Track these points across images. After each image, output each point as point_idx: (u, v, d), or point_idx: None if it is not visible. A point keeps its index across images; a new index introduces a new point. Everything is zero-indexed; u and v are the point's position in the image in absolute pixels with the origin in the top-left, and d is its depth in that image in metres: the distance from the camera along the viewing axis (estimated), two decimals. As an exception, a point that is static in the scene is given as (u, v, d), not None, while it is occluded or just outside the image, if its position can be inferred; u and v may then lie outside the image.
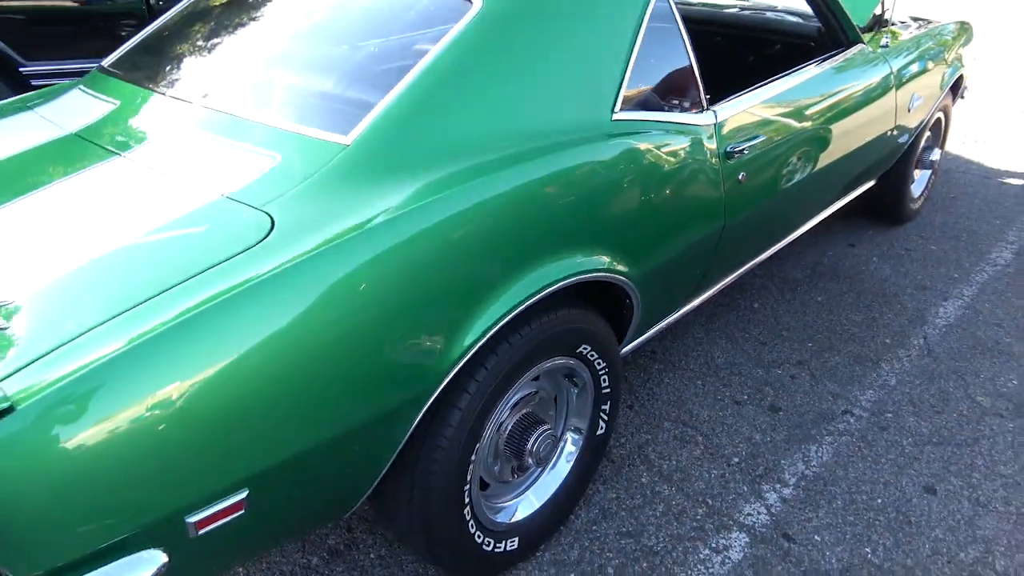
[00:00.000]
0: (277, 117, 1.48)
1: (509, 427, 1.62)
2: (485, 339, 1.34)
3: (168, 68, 1.84)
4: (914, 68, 2.81)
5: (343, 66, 1.59)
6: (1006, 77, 5.88)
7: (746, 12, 3.06)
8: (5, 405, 0.93)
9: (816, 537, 1.82)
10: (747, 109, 2.00)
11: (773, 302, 2.82)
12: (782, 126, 2.10)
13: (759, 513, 1.89)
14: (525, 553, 1.71)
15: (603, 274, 1.55)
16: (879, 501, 1.93)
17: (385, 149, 1.35)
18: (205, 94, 1.65)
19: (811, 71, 2.32)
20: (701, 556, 1.77)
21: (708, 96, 1.91)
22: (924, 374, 2.42)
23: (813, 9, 2.52)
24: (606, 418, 1.81)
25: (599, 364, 1.71)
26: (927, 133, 3.21)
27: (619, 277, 1.59)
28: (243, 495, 1.12)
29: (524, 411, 1.64)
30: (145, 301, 1.06)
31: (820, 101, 2.27)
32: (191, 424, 1.04)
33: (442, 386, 1.31)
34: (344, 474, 1.27)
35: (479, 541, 1.56)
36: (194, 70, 1.79)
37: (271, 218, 1.22)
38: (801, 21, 2.86)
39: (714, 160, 1.86)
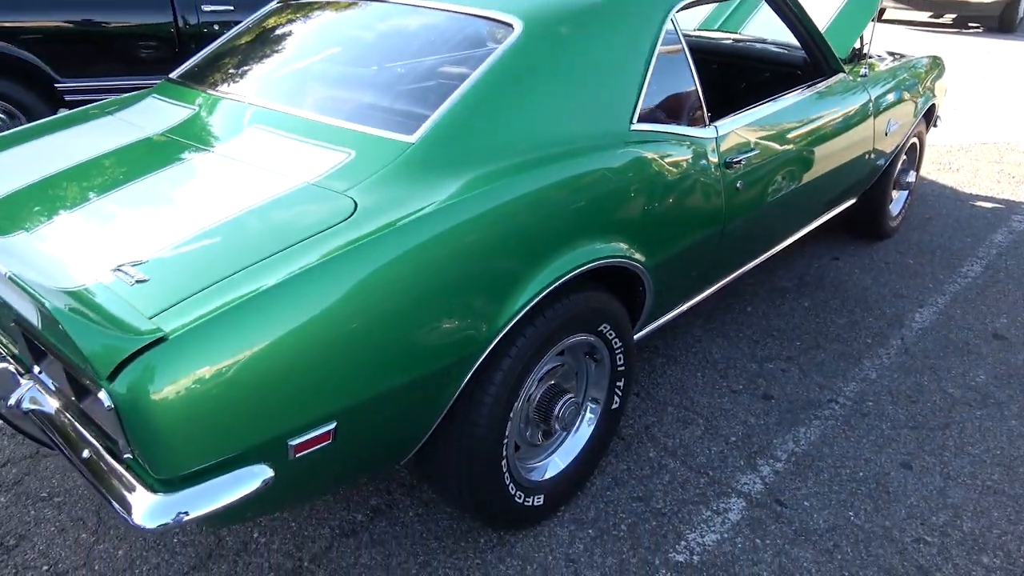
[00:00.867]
0: (348, 120, 1.72)
1: (538, 396, 1.85)
2: (526, 310, 1.57)
3: (238, 77, 2.08)
4: (890, 96, 3.11)
5: (405, 78, 1.85)
6: (975, 110, 6.25)
7: (741, 43, 3.36)
8: (160, 335, 1.15)
9: (805, 503, 2.05)
10: (744, 126, 2.27)
11: (764, 307, 3.07)
12: (774, 142, 2.37)
13: (754, 483, 2.12)
14: (548, 511, 1.93)
15: (623, 260, 1.79)
16: (861, 474, 2.16)
17: (444, 148, 1.60)
18: (276, 99, 1.89)
19: (798, 95, 2.60)
20: (703, 517, 2.00)
21: (710, 114, 2.17)
22: (901, 369, 2.67)
23: (799, 42, 2.81)
24: (620, 394, 2.04)
25: (616, 344, 1.94)
26: (903, 156, 3.50)
27: (635, 263, 1.84)
28: (331, 426, 1.34)
29: (551, 382, 1.87)
30: (261, 260, 1.30)
31: (806, 122, 2.55)
32: (297, 362, 1.26)
33: (490, 347, 1.54)
34: (408, 418, 1.50)
35: (512, 492, 1.78)
36: (264, 79, 2.04)
37: (354, 201, 1.46)
38: (788, 52, 3.15)
39: (715, 169, 2.12)
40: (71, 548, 1.87)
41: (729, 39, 3.41)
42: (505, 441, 1.70)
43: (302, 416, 1.30)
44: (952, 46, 9.23)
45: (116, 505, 1.22)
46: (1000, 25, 10.30)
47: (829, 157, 2.69)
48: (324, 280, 1.30)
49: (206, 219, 1.44)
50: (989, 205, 4.25)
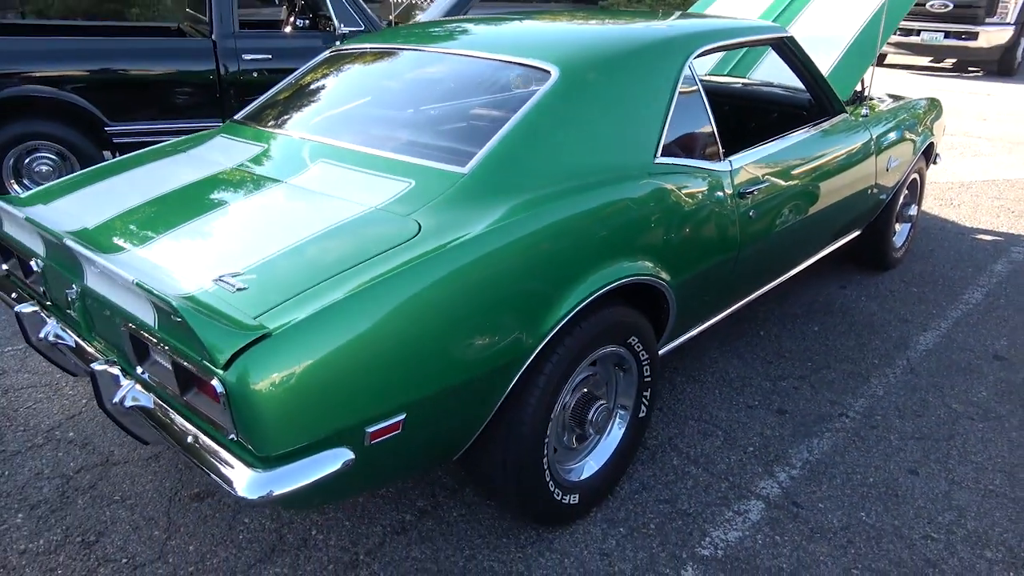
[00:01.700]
0: (406, 155, 1.95)
1: (573, 403, 2.03)
2: (565, 320, 1.77)
3: (299, 117, 2.33)
4: (891, 135, 3.34)
5: (454, 117, 2.08)
6: (976, 149, 6.49)
7: (750, 86, 3.61)
8: (265, 331, 1.36)
9: (820, 504, 2.21)
10: (755, 161, 2.49)
11: (776, 330, 3.26)
12: (783, 175, 2.59)
13: (772, 487, 2.28)
14: (583, 510, 2.10)
15: (650, 278, 2.00)
16: (871, 480, 2.32)
17: (493, 178, 1.83)
18: (336, 136, 2.13)
19: (804, 133, 2.83)
20: (726, 517, 2.16)
21: (724, 149, 2.40)
22: (907, 387, 2.84)
23: (804, 85, 3.05)
24: (647, 403, 2.22)
25: (643, 356, 2.14)
26: (905, 191, 3.72)
27: (661, 281, 2.04)
28: (402, 416, 1.53)
29: (584, 390, 2.06)
30: (343, 271, 1.51)
31: (812, 158, 2.78)
32: (375, 358, 1.47)
33: (535, 353, 1.74)
34: (465, 413, 1.69)
35: (551, 489, 1.95)
36: (323, 119, 2.29)
37: (418, 223, 1.68)
38: (794, 94, 3.39)
39: (731, 200, 2.33)
40: (145, 543, 2.05)
41: (739, 83, 3.67)
42: (546, 440, 1.88)
43: (378, 406, 1.49)
44: (953, 89, 9.54)
45: (219, 480, 1.41)
46: (999, 68, 10.62)
47: (834, 190, 2.91)
48: (398, 288, 1.51)
49: (290, 237, 1.65)
50: (989, 238, 4.45)
